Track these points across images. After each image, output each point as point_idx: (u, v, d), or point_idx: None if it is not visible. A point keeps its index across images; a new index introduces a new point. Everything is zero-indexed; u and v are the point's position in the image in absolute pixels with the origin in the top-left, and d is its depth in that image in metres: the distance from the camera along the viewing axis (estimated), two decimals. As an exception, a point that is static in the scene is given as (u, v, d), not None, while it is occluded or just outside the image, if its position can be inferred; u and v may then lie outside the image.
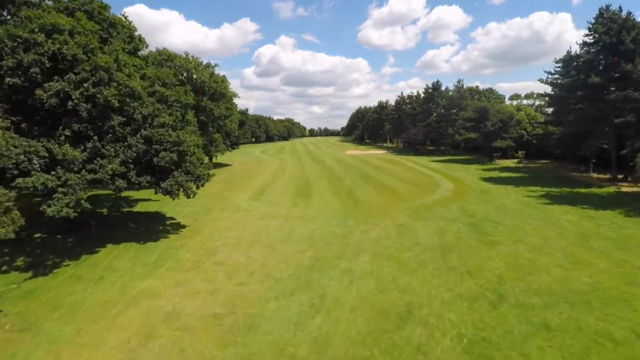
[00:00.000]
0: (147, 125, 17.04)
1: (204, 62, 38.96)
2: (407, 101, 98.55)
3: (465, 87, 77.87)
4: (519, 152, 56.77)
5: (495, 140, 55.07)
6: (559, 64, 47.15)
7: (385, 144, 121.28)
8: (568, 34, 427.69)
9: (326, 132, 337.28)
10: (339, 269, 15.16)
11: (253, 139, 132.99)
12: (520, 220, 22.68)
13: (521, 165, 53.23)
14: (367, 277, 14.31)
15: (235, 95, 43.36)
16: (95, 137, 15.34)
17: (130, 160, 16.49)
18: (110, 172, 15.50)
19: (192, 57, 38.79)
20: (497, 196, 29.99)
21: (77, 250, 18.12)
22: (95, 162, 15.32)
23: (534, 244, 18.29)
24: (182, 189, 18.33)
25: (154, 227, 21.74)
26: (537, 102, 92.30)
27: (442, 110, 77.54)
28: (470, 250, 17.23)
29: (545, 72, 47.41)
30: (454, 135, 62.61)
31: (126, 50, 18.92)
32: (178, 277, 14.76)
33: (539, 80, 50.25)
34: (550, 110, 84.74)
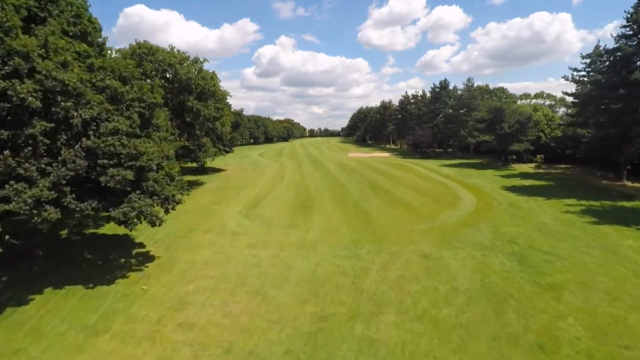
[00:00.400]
0: (91, 132, 12.54)
1: (191, 57, 34.46)
2: (412, 101, 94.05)
3: (475, 85, 73.27)
4: (538, 156, 52.21)
5: (512, 143, 50.53)
6: (586, 60, 42.75)
7: (388, 146, 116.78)
8: (568, 34, 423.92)
9: (326, 133, 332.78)
10: (354, 339, 10.65)
11: (251, 140, 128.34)
12: (574, 248, 18.20)
13: (541, 170, 48.70)
14: (397, 357, 9.80)
15: (226, 94, 38.81)
16: (7, 152, 10.81)
17: (65, 182, 11.99)
18: (31, 200, 10.99)
19: (178, 50, 34.30)
20: (530, 212, 25.48)
21: (4, 298, 13.65)
22: (7, 186, 10.81)
23: (608, 288, 13.80)
24: (142, 217, 13.84)
25: (114, 260, 17.24)
26: (548, 102, 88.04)
27: (451, 111, 73.10)
28: (529, 302, 12.73)
29: (570, 68, 42.95)
30: (466, 138, 58.03)
31: (70, 33, 14.42)
32: (122, 353, 10.25)
33: (562, 77, 45.88)
34: (563, 110, 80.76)
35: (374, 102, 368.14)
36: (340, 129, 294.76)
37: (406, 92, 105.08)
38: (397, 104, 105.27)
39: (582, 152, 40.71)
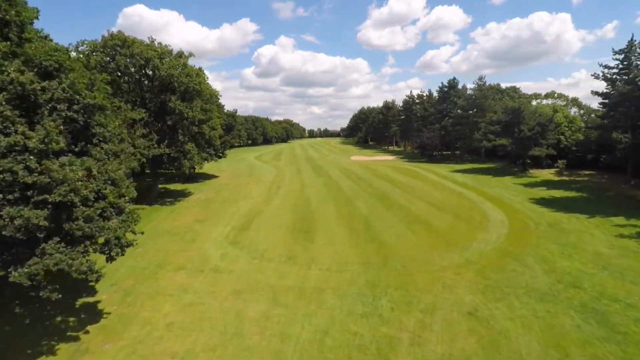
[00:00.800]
0: (-27, 152, 8.06)
1: (175, 51, 29.94)
2: (417, 101, 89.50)
3: (487, 84, 68.68)
4: (560, 161, 47.71)
5: (532, 148, 46.02)
6: (620, 56, 38.38)
7: (391, 148, 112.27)
8: (568, 34, 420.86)
9: (326, 133, 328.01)
10: None
11: (249, 142, 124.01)
12: (659, 295, 13.76)
13: (565, 178, 44.19)
14: None
15: (216, 93, 34.36)
16: None
17: None
18: None
19: (159, 43, 29.81)
20: (578, 237, 21.00)
21: None
22: None
23: None
24: (66, 273, 9.35)
25: (48, 317, 12.75)
26: (559, 102, 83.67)
27: (460, 112, 68.56)
28: (654, 414, 8.27)
29: (600, 65, 38.54)
30: (480, 141, 53.48)
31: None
32: None
33: (592, 75, 41.39)
34: (574, 110, 76.33)
35: (374, 102, 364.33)
36: (340, 130, 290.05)
37: (411, 91, 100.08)
38: (400, 104, 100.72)
39: (616, 158, 36.20)
